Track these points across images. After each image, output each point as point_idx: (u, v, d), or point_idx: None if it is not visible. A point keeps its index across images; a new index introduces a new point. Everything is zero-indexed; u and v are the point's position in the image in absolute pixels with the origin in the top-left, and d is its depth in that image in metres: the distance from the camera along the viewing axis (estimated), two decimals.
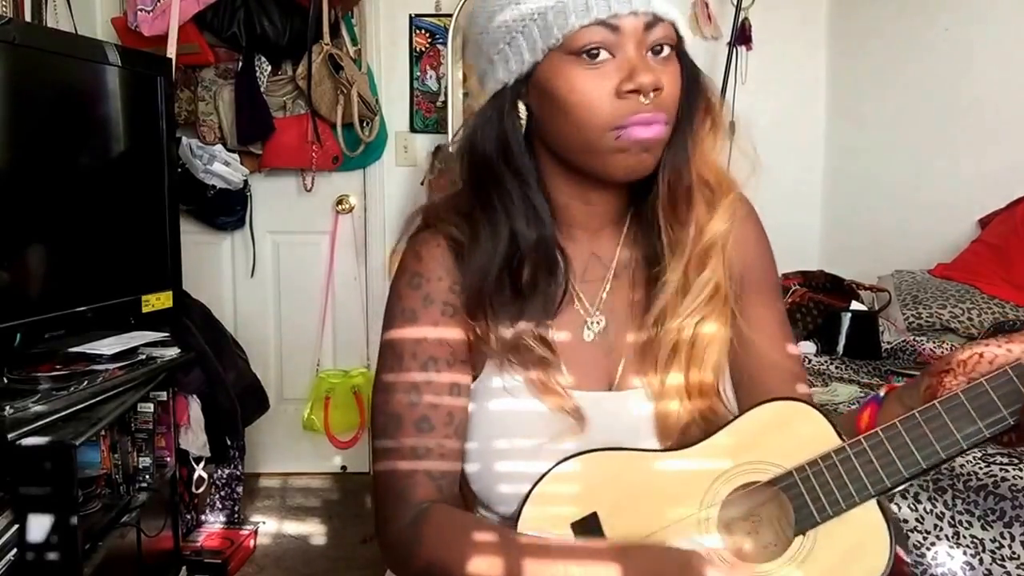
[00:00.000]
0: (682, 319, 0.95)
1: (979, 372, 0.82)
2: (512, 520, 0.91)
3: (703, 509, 0.86)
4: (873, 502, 0.82)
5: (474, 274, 0.95)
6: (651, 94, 0.86)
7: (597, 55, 0.86)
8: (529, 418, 0.95)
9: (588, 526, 0.88)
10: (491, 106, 0.94)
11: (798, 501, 0.83)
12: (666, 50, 0.89)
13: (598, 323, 0.99)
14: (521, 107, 0.93)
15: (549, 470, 0.90)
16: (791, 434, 0.86)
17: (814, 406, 0.87)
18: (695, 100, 0.94)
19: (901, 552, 0.89)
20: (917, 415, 0.81)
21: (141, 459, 2.33)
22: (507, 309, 0.95)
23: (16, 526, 1.75)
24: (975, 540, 1.53)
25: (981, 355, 0.82)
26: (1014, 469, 1.52)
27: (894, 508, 1.61)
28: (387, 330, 0.99)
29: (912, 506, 1.60)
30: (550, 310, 0.96)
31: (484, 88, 0.95)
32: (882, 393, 0.92)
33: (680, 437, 0.93)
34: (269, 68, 3.11)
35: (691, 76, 0.93)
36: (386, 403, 0.97)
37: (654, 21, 0.86)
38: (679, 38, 0.91)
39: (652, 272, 0.99)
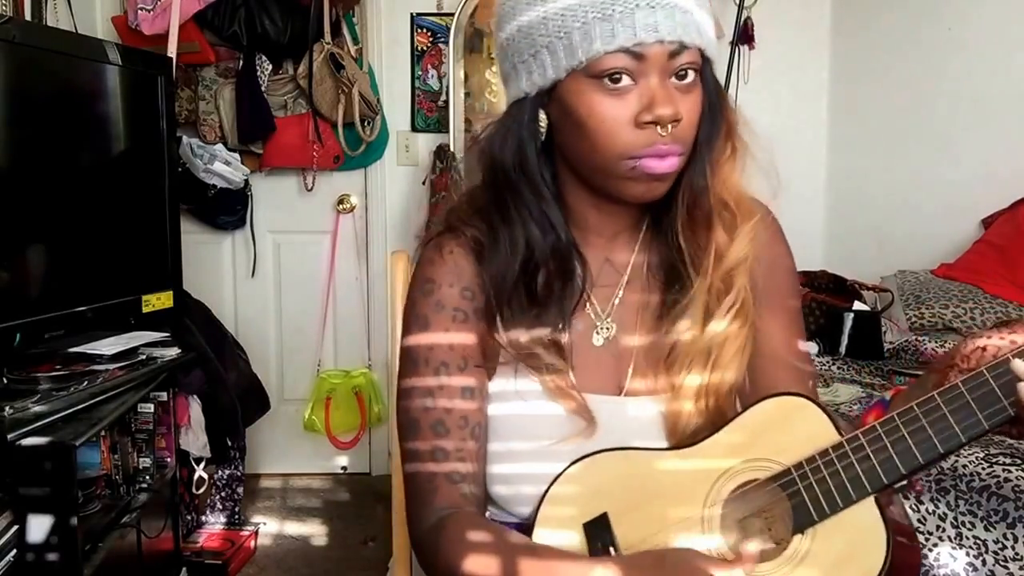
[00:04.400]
0: (703, 329, 0.95)
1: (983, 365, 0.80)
2: (530, 521, 0.93)
3: (706, 508, 0.87)
4: (871, 500, 0.81)
5: (492, 279, 0.96)
6: (669, 126, 0.85)
7: (619, 80, 0.85)
8: (543, 421, 0.96)
9: (599, 526, 0.90)
10: (511, 114, 0.94)
11: (796, 499, 0.83)
12: (690, 75, 0.87)
13: (608, 329, 1.00)
14: (542, 115, 0.92)
15: (562, 472, 0.92)
16: (791, 430, 0.86)
17: (814, 401, 0.87)
18: (717, 124, 0.93)
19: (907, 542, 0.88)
20: (915, 407, 0.80)
21: (141, 460, 2.33)
22: (523, 314, 0.96)
23: (16, 527, 1.74)
24: (978, 541, 1.52)
25: (984, 348, 0.82)
26: (1017, 470, 1.51)
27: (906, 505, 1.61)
28: (404, 337, 1.02)
29: (915, 507, 1.59)
30: (565, 315, 0.97)
31: (507, 89, 0.95)
32: (888, 396, 0.91)
33: (689, 441, 0.93)
34: (270, 67, 3.11)
35: (714, 100, 0.92)
36: (405, 408, 0.99)
37: (680, 48, 0.85)
38: (706, 59, 0.89)
39: (667, 278, 0.99)
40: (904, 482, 0.83)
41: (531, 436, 0.96)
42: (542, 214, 0.94)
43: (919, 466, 0.80)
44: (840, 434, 0.83)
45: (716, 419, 0.93)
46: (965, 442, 0.79)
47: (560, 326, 0.96)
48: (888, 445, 0.80)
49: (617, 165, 0.88)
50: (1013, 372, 0.77)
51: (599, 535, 0.89)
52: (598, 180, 0.93)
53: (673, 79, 0.87)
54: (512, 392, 0.97)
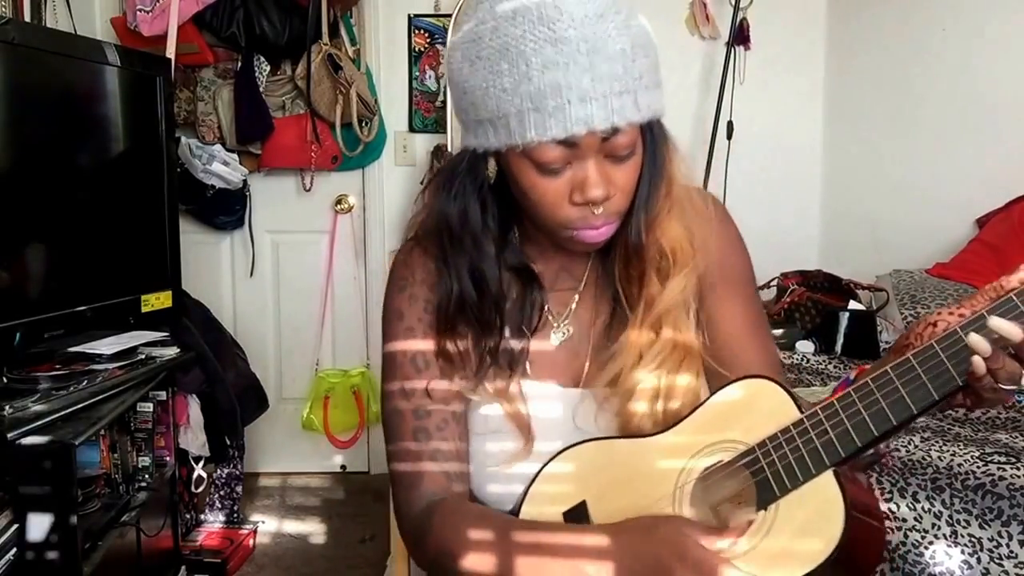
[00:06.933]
0: (649, 335, 0.97)
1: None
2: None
3: (677, 489, 0.90)
4: (830, 473, 0.83)
5: (443, 296, 1.00)
6: (601, 205, 0.89)
7: (554, 171, 0.88)
8: (500, 422, 0.99)
9: (577, 514, 0.94)
10: (460, 163, 0.96)
11: (760, 477, 0.86)
12: (625, 153, 0.89)
13: (565, 333, 1.04)
14: (492, 163, 0.94)
15: (543, 467, 0.96)
16: (756, 410, 0.89)
17: (777, 381, 0.89)
18: (657, 183, 0.96)
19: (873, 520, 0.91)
20: (870, 382, 0.83)
21: (140, 458, 2.33)
22: (471, 328, 1.00)
23: (16, 525, 1.75)
24: (973, 539, 1.53)
25: (935, 325, 0.86)
26: (1012, 468, 1.53)
27: (894, 508, 1.62)
28: (384, 342, 1.05)
29: (910, 505, 1.60)
30: (527, 325, 1.01)
31: (461, 127, 0.96)
32: (852, 375, 0.94)
33: (660, 428, 0.95)
34: (268, 68, 3.11)
35: (657, 157, 0.94)
36: (388, 409, 1.03)
37: (614, 131, 0.86)
38: (649, 127, 0.91)
39: (615, 293, 1.02)
40: (870, 454, 0.85)
41: (492, 437, 1.00)
42: (479, 273, 0.98)
43: (874, 438, 0.82)
44: (801, 412, 0.86)
45: (670, 416, 0.95)
46: (917, 413, 0.82)
47: (519, 332, 1.00)
48: (844, 419, 0.83)
49: (557, 231, 0.93)
50: (969, 346, 0.79)
51: (577, 522, 0.93)
52: (542, 229, 0.96)
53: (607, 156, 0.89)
54: (473, 394, 1.00)
